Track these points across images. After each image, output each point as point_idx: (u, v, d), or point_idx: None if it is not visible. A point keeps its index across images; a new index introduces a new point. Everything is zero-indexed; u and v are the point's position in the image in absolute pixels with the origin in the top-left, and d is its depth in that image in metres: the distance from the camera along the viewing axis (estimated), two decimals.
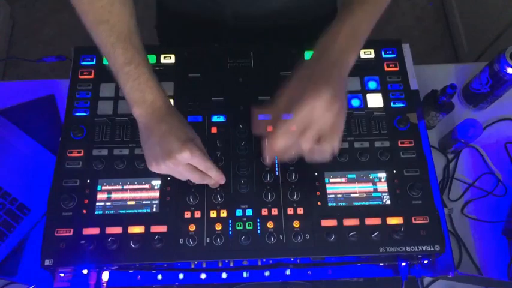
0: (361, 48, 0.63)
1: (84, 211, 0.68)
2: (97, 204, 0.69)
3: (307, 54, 0.80)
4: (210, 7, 0.85)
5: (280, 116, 0.57)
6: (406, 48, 0.84)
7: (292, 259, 0.70)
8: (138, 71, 0.62)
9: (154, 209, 0.69)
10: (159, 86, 0.64)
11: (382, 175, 0.72)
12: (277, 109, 0.58)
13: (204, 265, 0.71)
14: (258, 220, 0.68)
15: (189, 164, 0.63)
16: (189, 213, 0.69)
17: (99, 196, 0.69)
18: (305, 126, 0.55)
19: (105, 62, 0.79)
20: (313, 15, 0.90)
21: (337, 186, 0.71)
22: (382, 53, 0.82)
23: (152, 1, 0.98)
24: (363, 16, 0.62)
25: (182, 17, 0.91)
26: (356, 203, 0.70)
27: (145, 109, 0.63)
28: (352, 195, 0.70)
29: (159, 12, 1.00)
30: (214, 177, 0.66)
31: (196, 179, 0.65)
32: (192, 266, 0.70)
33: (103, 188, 0.70)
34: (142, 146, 0.65)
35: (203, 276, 0.72)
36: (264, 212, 0.69)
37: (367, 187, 0.71)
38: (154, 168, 0.64)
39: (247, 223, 0.68)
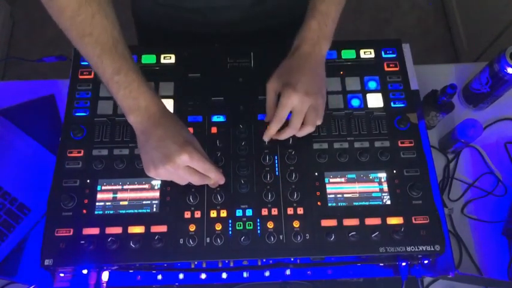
0: (333, 35, 0.71)
1: (84, 211, 0.68)
2: (97, 204, 0.69)
3: None
4: (192, 19, 0.86)
5: (274, 109, 0.69)
6: (406, 48, 0.84)
7: (292, 259, 0.70)
8: (128, 78, 0.62)
9: (154, 209, 0.69)
10: (151, 90, 0.64)
11: (382, 175, 0.72)
12: (271, 105, 0.70)
13: (204, 265, 0.71)
14: (258, 220, 0.68)
15: (188, 167, 0.62)
16: (189, 213, 0.69)
17: (99, 196, 0.69)
18: (286, 113, 0.67)
19: None
20: (294, 16, 0.90)
21: (337, 186, 0.71)
22: (382, 53, 0.82)
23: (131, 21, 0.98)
24: (326, 8, 0.69)
25: (163, 32, 0.92)
26: (356, 203, 0.70)
27: (140, 115, 0.63)
28: (352, 195, 0.70)
29: (139, 32, 1.00)
30: (214, 178, 0.67)
31: (196, 181, 0.65)
32: (192, 266, 0.70)
33: (103, 188, 0.70)
34: (140, 151, 0.65)
35: (203, 276, 0.72)
36: (264, 212, 0.69)
37: (367, 187, 0.71)
38: (152, 173, 0.64)
39: (247, 223, 0.68)
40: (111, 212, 0.69)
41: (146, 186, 0.70)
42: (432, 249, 0.67)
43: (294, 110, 0.66)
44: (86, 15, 0.60)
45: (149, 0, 0.87)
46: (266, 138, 0.71)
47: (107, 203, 0.69)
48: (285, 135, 0.70)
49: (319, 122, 0.69)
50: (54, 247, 0.66)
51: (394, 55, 0.82)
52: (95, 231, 0.67)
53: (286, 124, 0.69)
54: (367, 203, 0.70)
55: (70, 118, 0.75)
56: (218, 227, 0.68)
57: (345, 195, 0.70)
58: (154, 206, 0.69)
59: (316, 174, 0.72)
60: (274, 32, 0.87)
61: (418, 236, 0.67)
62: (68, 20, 0.61)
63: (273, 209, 0.69)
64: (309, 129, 0.69)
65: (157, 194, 0.70)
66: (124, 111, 0.64)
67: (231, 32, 0.87)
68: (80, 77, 0.78)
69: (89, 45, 0.61)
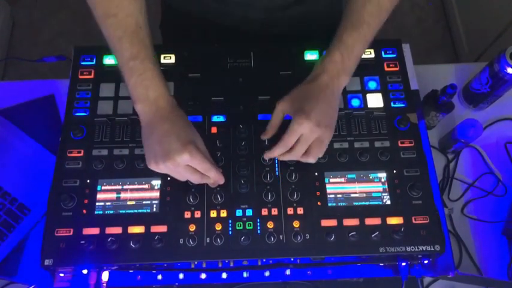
0: (355, 67, 0.69)
1: (84, 211, 0.68)
2: (97, 204, 0.69)
3: (307, 54, 0.80)
4: (217, 8, 0.85)
5: (276, 129, 0.69)
6: (406, 48, 0.84)
7: (292, 259, 0.70)
8: (144, 66, 0.62)
9: (154, 209, 0.69)
10: (164, 84, 0.64)
11: (382, 175, 0.72)
12: (274, 125, 0.69)
13: (204, 265, 0.71)
14: (258, 220, 0.68)
15: (188, 165, 0.63)
16: (189, 213, 0.69)
17: (99, 196, 0.69)
18: (294, 140, 0.65)
19: (105, 62, 0.80)
20: (323, 22, 0.90)
21: (337, 186, 0.71)
22: (382, 53, 0.82)
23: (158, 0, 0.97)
24: (352, 42, 0.66)
25: (187, 17, 0.91)
26: (356, 203, 0.70)
27: (148, 106, 0.63)
28: (352, 195, 0.70)
29: (164, 11, 1.00)
30: (214, 178, 0.67)
31: (195, 179, 0.65)
32: (192, 266, 0.70)
33: (103, 188, 0.70)
34: (143, 143, 0.65)
35: (203, 276, 0.72)
36: (264, 212, 0.69)
37: (367, 187, 0.71)
38: (153, 167, 0.64)
39: (247, 223, 0.68)
40: (111, 212, 0.69)
41: (146, 186, 0.70)
42: (432, 249, 0.67)
43: (301, 138, 0.65)
44: None
45: None
46: (266, 157, 0.70)
47: (107, 203, 0.69)
48: (283, 158, 0.69)
49: (320, 155, 0.68)
50: (54, 247, 0.66)
51: (394, 55, 0.82)
52: (95, 231, 0.67)
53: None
54: (367, 203, 0.70)
55: (70, 118, 0.75)
56: (218, 227, 0.68)
57: (345, 195, 0.70)
58: (154, 206, 0.69)
59: (316, 174, 0.72)
60: (301, 38, 0.86)
61: (418, 236, 0.67)
62: None
63: (273, 209, 0.69)
64: (310, 160, 0.68)
65: (157, 194, 0.70)
66: (133, 99, 0.63)
67: (258, 32, 0.86)
68: (80, 77, 0.78)
69: (112, 26, 0.61)
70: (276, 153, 0.67)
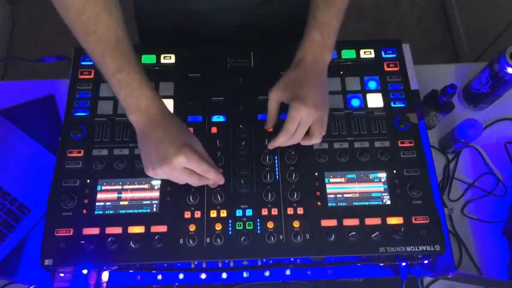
0: (336, 43, 0.71)
1: (84, 211, 0.68)
2: (97, 204, 0.69)
3: None
4: (192, 19, 0.86)
5: (275, 118, 0.72)
6: (406, 48, 0.84)
7: (292, 259, 0.70)
8: (130, 77, 0.62)
9: (154, 209, 0.69)
10: (152, 91, 0.64)
11: (382, 175, 0.72)
12: (272, 114, 0.71)
13: (204, 265, 0.71)
14: (258, 220, 0.68)
15: (185, 168, 0.63)
16: (189, 213, 0.69)
17: (99, 196, 0.69)
18: (296, 127, 0.67)
19: None
20: (295, 20, 0.90)
21: (337, 186, 0.71)
22: (382, 53, 0.82)
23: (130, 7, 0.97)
24: (328, 19, 0.69)
25: (163, 30, 0.91)
26: (356, 203, 0.70)
27: (140, 115, 0.63)
28: (352, 195, 0.70)
29: (141, 31, 1.00)
30: (213, 179, 0.66)
31: (194, 182, 0.65)
32: (192, 266, 0.70)
33: (103, 188, 0.70)
34: (140, 151, 0.65)
35: (203, 276, 0.72)
36: (264, 212, 0.69)
37: (367, 187, 0.71)
38: (151, 173, 0.64)
39: (247, 223, 0.68)
40: (111, 212, 0.69)
41: (146, 186, 0.70)
42: (432, 249, 0.67)
43: (301, 122, 0.67)
44: (91, 13, 0.60)
45: (151, 2, 0.87)
46: (271, 147, 0.72)
47: (107, 203, 0.69)
48: (286, 144, 0.70)
49: (324, 133, 0.70)
50: (54, 247, 0.66)
51: (394, 55, 0.82)
52: (95, 231, 0.67)
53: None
54: (367, 203, 0.70)
55: (70, 118, 0.75)
56: (218, 227, 0.68)
57: (345, 195, 0.70)
58: (154, 206, 0.69)
59: (316, 174, 0.72)
60: (275, 35, 0.87)
61: (418, 236, 0.67)
62: (73, 17, 0.61)
63: (273, 209, 0.69)
64: (315, 141, 0.70)
65: (157, 194, 0.70)
66: (125, 110, 0.64)
67: (233, 34, 0.87)
68: (80, 77, 0.78)
69: (92, 43, 0.62)
70: (280, 141, 0.69)
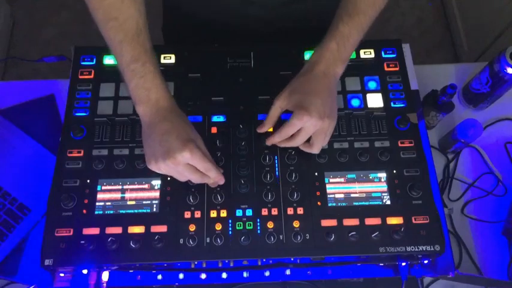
0: (351, 55, 0.70)
1: (84, 211, 0.68)
2: (97, 204, 0.69)
3: (307, 54, 0.80)
4: (219, 6, 0.85)
5: (273, 124, 0.70)
6: (406, 48, 0.84)
7: (292, 259, 0.70)
8: (145, 69, 0.62)
9: (154, 209, 0.69)
10: (164, 85, 0.64)
11: (382, 175, 0.72)
12: (271, 120, 0.70)
13: (204, 265, 0.71)
14: (258, 220, 0.68)
15: (188, 164, 0.63)
16: (189, 213, 0.69)
17: (99, 196, 0.69)
18: (293, 132, 0.66)
19: (105, 62, 0.80)
20: (323, 19, 0.90)
21: (337, 186, 0.71)
22: (382, 53, 0.82)
23: (159, 2, 0.97)
24: (348, 30, 0.67)
25: (189, 17, 0.91)
26: (356, 203, 0.70)
27: (149, 107, 0.63)
28: (352, 195, 0.70)
29: (167, 13, 1.00)
30: (214, 178, 0.66)
31: (195, 179, 0.65)
32: (192, 266, 0.70)
33: (103, 188, 0.70)
34: (143, 143, 0.65)
35: (203, 276, 0.72)
36: (264, 212, 0.69)
37: (367, 187, 0.71)
38: (153, 166, 0.64)
39: (247, 223, 0.68)
40: (111, 212, 0.69)
41: (146, 186, 0.70)
42: (432, 249, 0.67)
43: (302, 129, 0.66)
44: None
45: None
46: (268, 143, 0.71)
47: (107, 203, 0.69)
48: (285, 145, 0.70)
49: (324, 144, 0.69)
50: (54, 247, 0.66)
51: (394, 55, 0.82)
52: (95, 231, 0.67)
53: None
54: (367, 203, 0.70)
55: (70, 118, 0.75)
56: (218, 227, 0.68)
57: (345, 195, 0.70)
58: (154, 206, 0.69)
59: (316, 174, 0.72)
60: (301, 34, 0.86)
61: (418, 236, 0.67)
62: (97, 1, 0.61)
63: (273, 209, 0.69)
64: (314, 151, 0.69)
65: (157, 194, 0.70)
66: (134, 101, 0.64)
67: (258, 29, 0.86)
68: (80, 77, 0.78)
69: (112, 29, 0.62)
70: (275, 140, 0.69)
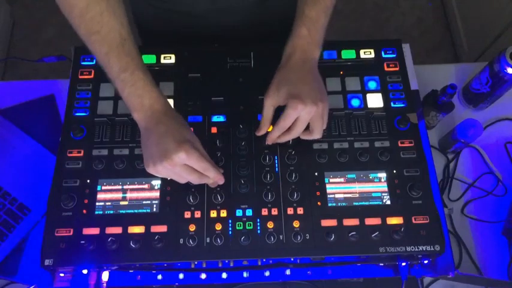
0: (323, 39, 0.70)
1: (84, 211, 0.68)
2: (97, 204, 0.69)
3: None
4: (192, 22, 0.86)
5: (269, 125, 0.70)
6: (406, 48, 0.84)
7: (292, 259, 0.70)
8: (134, 77, 0.62)
9: (154, 209, 0.69)
10: (156, 89, 0.65)
11: (382, 175, 0.72)
12: (267, 121, 0.70)
13: (204, 265, 0.71)
14: (258, 220, 0.68)
15: (186, 165, 0.63)
16: (189, 213, 0.69)
17: (99, 196, 0.69)
18: (290, 123, 0.67)
19: None
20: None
21: (337, 186, 0.71)
22: (382, 53, 0.82)
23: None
24: (315, 14, 0.68)
25: (166, 35, 0.92)
26: (356, 203, 0.70)
27: (144, 113, 0.64)
28: (352, 195, 0.70)
29: (142, 34, 1.01)
30: (213, 177, 0.66)
31: (194, 179, 0.65)
32: (192, 266, 0.70)
33: (103, 188, 0.70)
34: (142, 147, 0.66)
35: (203, 276, 0.72)
36: (264, 212, 0.69)
37: (367, 187, 0.71)
38: (151, 169, 0.64)
39: (247, 223, 0.68)
40: (111, 212, 0.69)
41: (146, 186, 0.70)
42: (432, 249, 0.67)
43: (299, 118, 0.66)
44: (95, 12, 0.61)
45: (148, 5, 0.87)
46: (268, 142, 0.71)
47: (107, 203, 0.69)
48: (285, 139, 0.70)
49: (324, 127, 0.69)
50: (54, 247, 0.66)
51: (394, 55, 0.82)
52: (95, 231, 0.67)
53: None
54: (367, 203, 0.70)
55: (70, 118, 0.75)
56: (218, 227, 0.68)
57: (345, 195, 0.70)
58: (154, 206, 0.69)
59: (316, 174, 0.72)
60: (275, 35, 0.87)
61: (418, 236, 0.67)
62: (77, 17, 0.62)
63: (273, 209, 0.69)
64: (316, 136, 0.69)
65: (157, 194, 0.70)
66: (129, 108, 0.64)
67: (233, 35, 0.87)
68: (80, 77, 0.78)
69: (96, 43, 0.62)
70: (274, 136, 0.69)
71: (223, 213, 0.69)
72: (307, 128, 0.69)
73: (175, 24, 0.89)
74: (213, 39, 0.85)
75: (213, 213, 0.69)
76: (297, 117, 0.66)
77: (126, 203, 0.69)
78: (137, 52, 0.64)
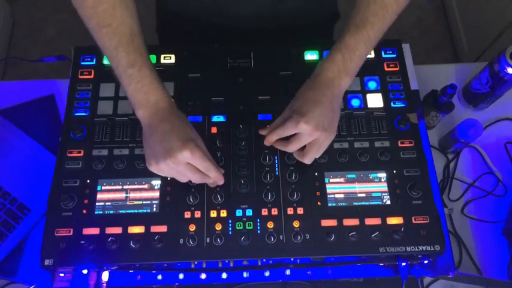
0: (358, 68, 0.68)
1: (84, 211, 0.68)
2: (97, 204, 0.69)
3: (307, 54, 0.80)
4: (211, 9, 0.85)
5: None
6: (406, 48, 0.84)
7: (292, 259, 0.70)
8: (141, 73, 0.62)
9: (154, 209, 0.69)
10: (162, 86, 0.65)
11: (382, 175, 0.72)
12: (276, 124, 0.69)
13: (204, 265, 0.71)
14: (258, 220, 0.68)
15: (189, 164, 0.63)
16: (189, 213, 0.69)
17: (99, 196, 0.69)
18: (286, 134, 0.65)
19: (105, 62, 0.80)
20: (314, 18, 0.90)
21: (337, 186, 0.71)
22: (382, 53, 0.82)
23: (152, 2, 0.98)
24: (355, 42, 0.65)
25: (183, 19, 0.91)
26: (356, 203, 0.70)
27: (149, 110, 0.63)
28: (352, 195, 0.70)
29: (160, 14, 1.00)
30: (214, 178, 0.67)
31: (195, 178, 0.65)
32: (192, 266, 0.70)
33: (103, 188, 0.70)
34: (144, 145, 0.65)
35: (203, 276, 0.72)
36: (264, 212, 0.69)
37: (367, 187, 0.71)
38: (153, 167, 0.64)
39: (247, 223, 0.68)
40: (111, 212, 0.69)
41: (146, 186, 0.70)
42: (432, 249, 0.67)
43: (297, 136, 0.65)
44: (108, 5, 0.60)
45: None
46: (266, 143, 0.70)
47: (107, 203, 0.69)
48: (279, 148, 0.70)
49: (317, 156, 0.69)
50: (54, 247, 0.66)
51: (394, 55, 0.82)
52: (95, 231, 0.67)
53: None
54: (367, 203, 0.70)
55: (70, 118, 0.75)
56: (218, 227, 0.68)
57: (345, 195, 0.70)
58: (154, 206, 0.69)
59: (316, 174, 0.72)
60: (292, 32, 0.86)
61: (418, 236, 0.67)
62: (89, 9, 0.61)
63: (273, 209, 0.69)
64: (305, 161, 0.68)
65: (157, 194, 0.70)
66: (133, 105, 0.64)
67: (249, 27, 0.86)
68: (80, 77, 0.78)
69: (106, 36, 0.62)
70: (272, 139, 0.68)
71: (223, 213, 0.69)
72: (303, 148, 0.68)
73: (196, 13, 0.88)
74: (232, 29, 0.84)
75: (213, 213, 0.69)
76: (297, 134, 0.65)
77: (126, 203, 0.69)
78: (145, 49, 0.64)
